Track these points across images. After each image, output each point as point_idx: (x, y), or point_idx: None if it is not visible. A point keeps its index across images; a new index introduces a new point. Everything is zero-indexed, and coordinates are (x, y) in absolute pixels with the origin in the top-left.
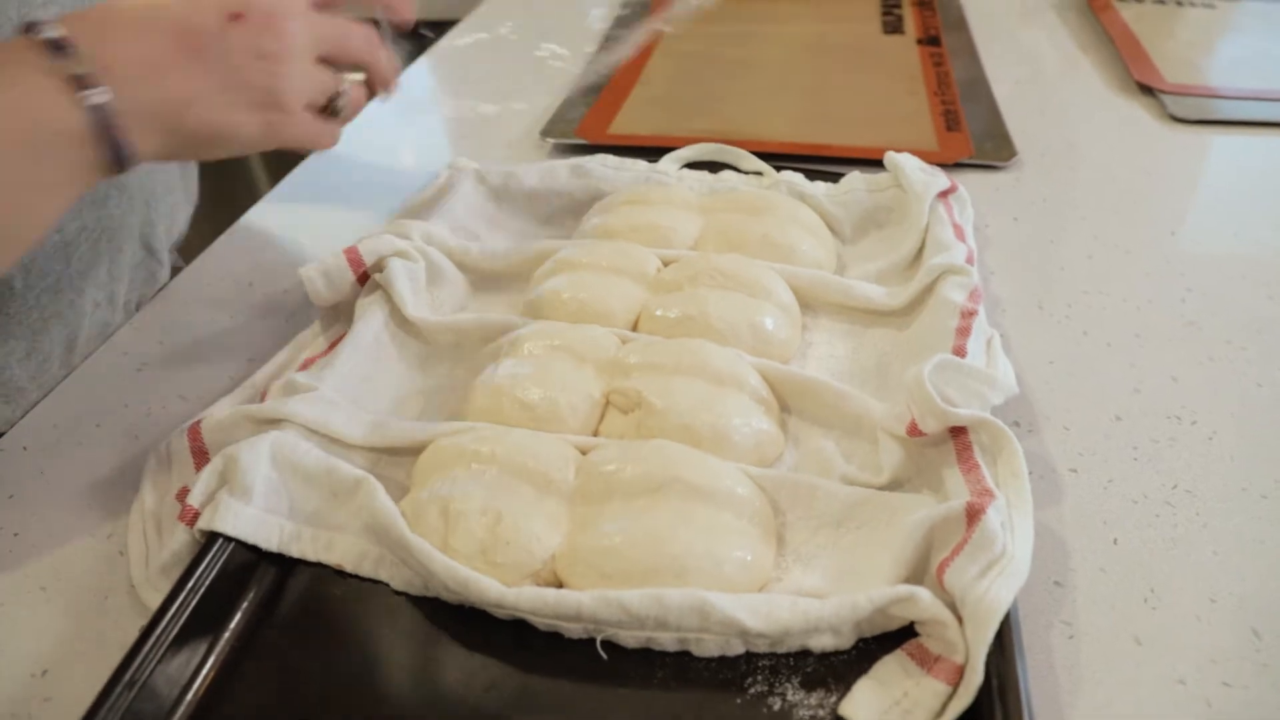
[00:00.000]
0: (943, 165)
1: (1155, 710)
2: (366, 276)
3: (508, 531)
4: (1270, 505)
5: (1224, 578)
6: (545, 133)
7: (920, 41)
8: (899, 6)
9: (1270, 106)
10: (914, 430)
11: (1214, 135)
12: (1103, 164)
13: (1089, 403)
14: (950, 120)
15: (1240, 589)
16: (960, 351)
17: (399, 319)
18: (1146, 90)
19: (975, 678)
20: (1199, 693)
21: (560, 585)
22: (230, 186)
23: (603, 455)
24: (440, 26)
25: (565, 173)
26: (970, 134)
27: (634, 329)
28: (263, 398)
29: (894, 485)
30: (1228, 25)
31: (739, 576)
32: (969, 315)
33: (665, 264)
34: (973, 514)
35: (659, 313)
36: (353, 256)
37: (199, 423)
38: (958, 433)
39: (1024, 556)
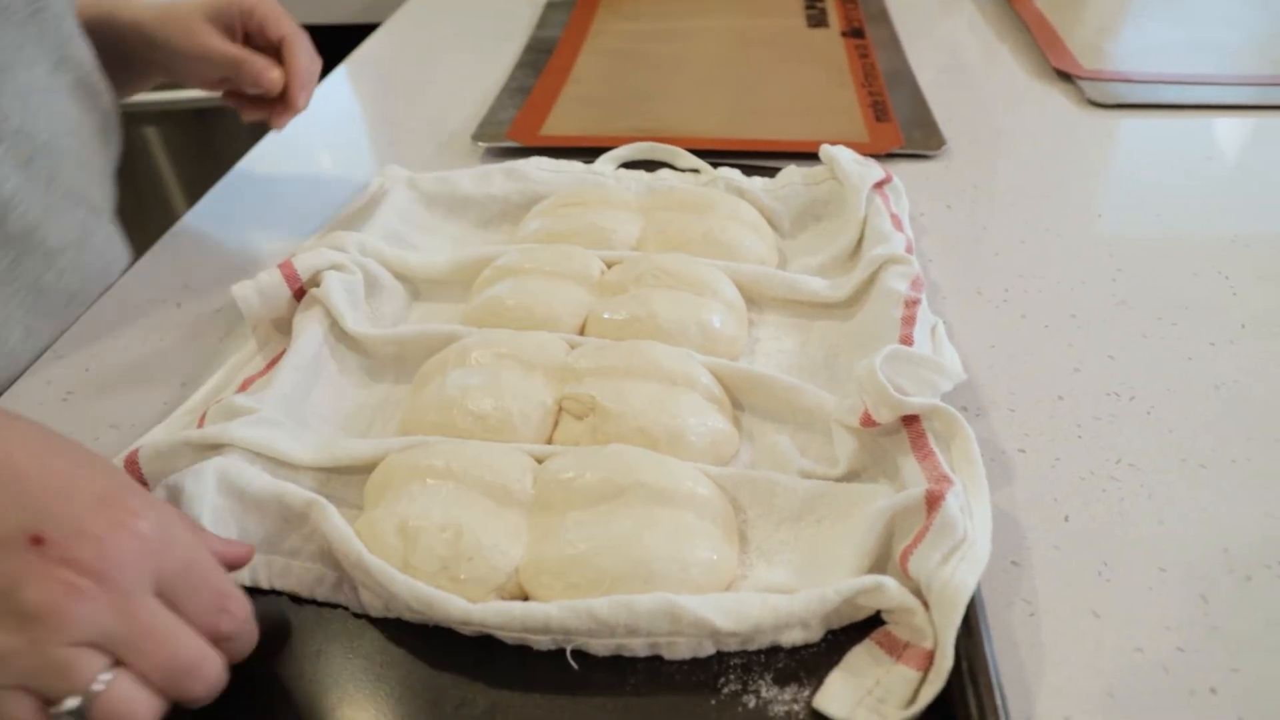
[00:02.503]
0: (875, 156)
1: (1117, 680)
2: (302, 292)
3: (469, 546)
4: (1209, 474)
5: (1170, 547)
6: (476, 136)
7: (844, 34)
8: (822, 0)
9: (1181, 89)
10: (867, 421)
11: (1129, 119)
12: (1028, 150)
13: (1032, 384)
14: (879, 111)
15: (1187, 556)
16: (907, 340)
17: (338, 333)
18: (1064, 76)
19: (945, 662)
20: (1156, 659)
21: (525, 598)
22: (144, 205)
23: (560, 463)
24: (359, 31)
25: (500, 176)
26: (899, 124)
27: (581, 333)
28: (201, 422)
29: (851, 476)
30: (1135, 11)
31: (705, 577)
32: (913, 304)
33: (608, 266)
34: (932, 501)
35: (606, 315)
36: (288, 271)
37: (136, 452)
38: (910, 421)
39: (984, 540)
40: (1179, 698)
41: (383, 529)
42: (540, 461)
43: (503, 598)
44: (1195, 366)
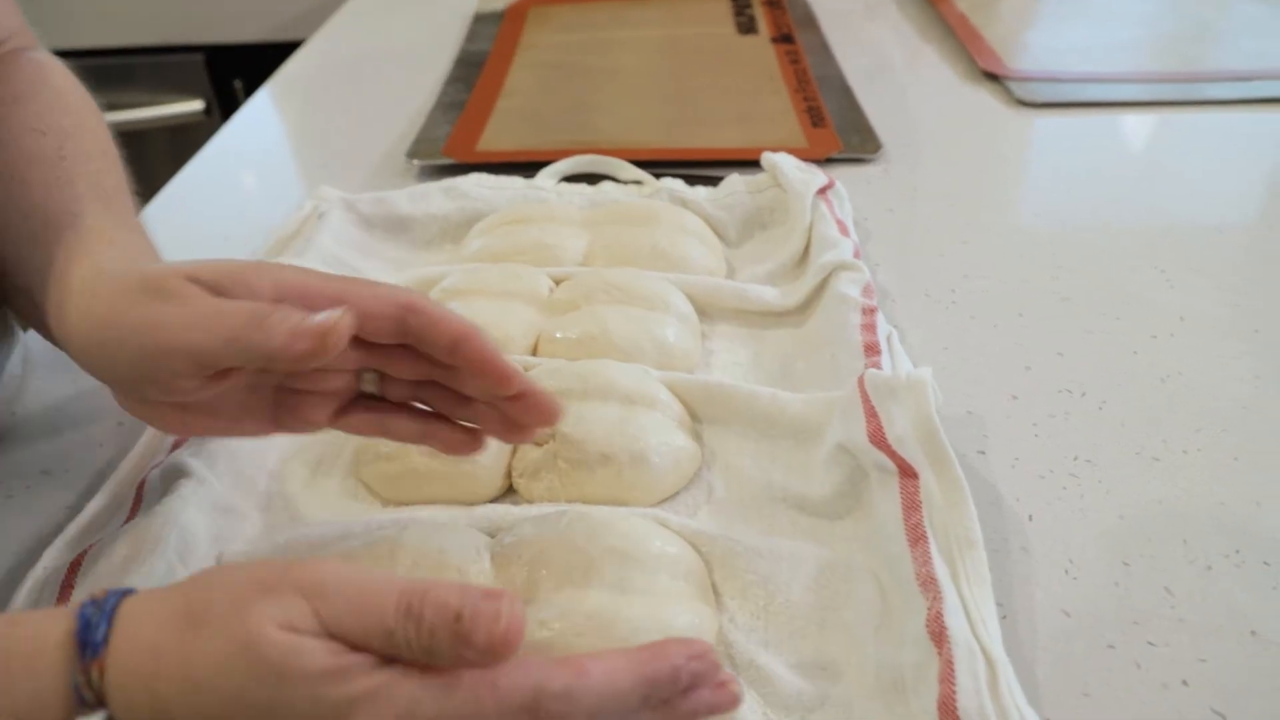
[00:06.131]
0: (813, 161)
1: (1092, 678)
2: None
3: None
4: (1163, 466)
5: (1133, 541)
6: (411, 154)
7: (774, 40)
8: (750, 6)
9: (1105, 87)
10: (879, 438)
11: (1057, 117)
12: (962, 150)
13: (985, 385)
14: (815, 116)
15: (1149, 550)
16: (873, 349)
17: None
18: (991, 77)
19: None
20: (1128, 655)
21: None
22: None
23: (518, 537)
24: (283, 49)
25: (439, 195)
26: (835, 129)
27: (533, 354)
28: (139, 489)
29: (830, 514)
30: (1050, 13)
31: None
32: (870, 312)
33: (556, 283)
34: (936, 634)
35: (558, 335)
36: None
37: (83, 555)
38: (907, 473)
39: (998, 649)
40: (1153, 692)
41: None
42: (492, 535)
43: None
44: (1140, 360)
